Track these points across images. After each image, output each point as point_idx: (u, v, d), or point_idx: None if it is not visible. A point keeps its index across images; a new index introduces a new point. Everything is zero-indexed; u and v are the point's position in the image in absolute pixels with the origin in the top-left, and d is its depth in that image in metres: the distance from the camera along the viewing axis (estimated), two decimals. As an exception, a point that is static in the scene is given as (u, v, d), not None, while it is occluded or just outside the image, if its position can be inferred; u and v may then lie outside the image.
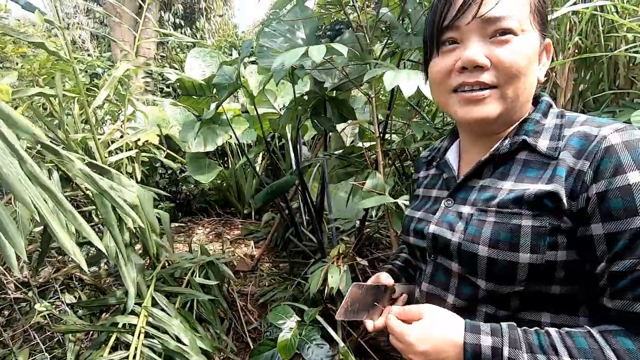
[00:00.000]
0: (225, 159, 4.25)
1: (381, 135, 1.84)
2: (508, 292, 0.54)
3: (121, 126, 1.86)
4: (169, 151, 3.77)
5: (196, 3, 5.95)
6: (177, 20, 6.29)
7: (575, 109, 1.34)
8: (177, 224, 4.08)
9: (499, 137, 0.61)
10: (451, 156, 0.70)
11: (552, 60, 1.33)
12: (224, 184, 4.12)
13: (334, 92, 1.89)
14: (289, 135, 2.57)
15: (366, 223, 2.19)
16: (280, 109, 3.04)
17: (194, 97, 2.46)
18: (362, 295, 0.68)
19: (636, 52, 0.96)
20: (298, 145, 2.75)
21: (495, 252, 0.53)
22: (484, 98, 0.55)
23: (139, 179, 1.85)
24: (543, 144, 0.55)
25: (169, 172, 4.05)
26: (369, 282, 0.75)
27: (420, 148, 1.71)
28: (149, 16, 2.01)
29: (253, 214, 4.23)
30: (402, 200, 1.23)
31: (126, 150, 2.06)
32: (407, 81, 0.99)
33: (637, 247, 0.46)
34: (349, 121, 2.05)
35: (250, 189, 4.14)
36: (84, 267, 1.03)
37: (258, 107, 3.02)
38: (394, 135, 2.04)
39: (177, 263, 1.71)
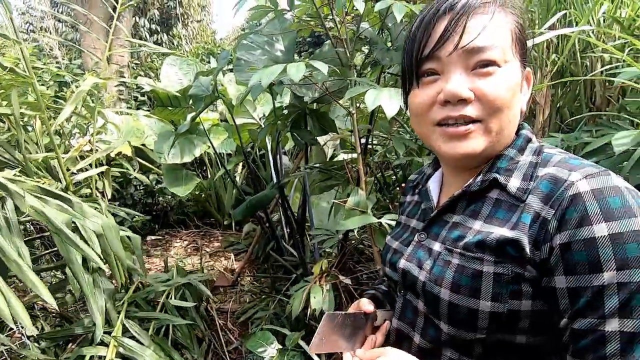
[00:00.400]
0: (204, 168, 4.14)
1: (363, 149, 1.82)
2: (470, 339, 0.52)
3: (90, 140, 1.76)
4: (144, 162, 3.64)
5: (173, 9, 5.82)
6: (153, 26, 6.13)
7: (553, 125, 1.35)
8: (154, 237, 3.93)
9: (475, 170, 0.59)
10: (433, 185, 0.67)
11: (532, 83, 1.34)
12: (203, 195, 4.00)
13: (315, 104, 1.86)
14: (269, 146, 2.51)
15: (349, 234, 2.16)
16: (260, 119, 2.98)
17: (169, 108, 2.37)
18: (339, 325, 0.65)
19: (612, 74, 0.97)
20: (278, 157, 2.70)
21: (457, 297, 0.51)
22: (469, 133, 0.53)
23: (109, 197, 1.75)
24: (514, 183, 0.53)
25: (145, 183, 3.90)
26: (351, 309, 0.72)
27: (406, 160, 1.70)
28: (120, 25, 1.92)
29: (233, 224, 4.12)
30: (386, 220, 1.20)
31: (97, 165, 1.95)
32: (389, 101, 0.96)
33: (599, 305, 0.43)
34: (330, 134, 2.02)
35: (230, 199, 4.04)
36: (49, 300, 0.94)
37: (237, 117, 2.95)
38: (376, 146, 2.02)
39: (151, 287, 1.62)
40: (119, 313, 1.50)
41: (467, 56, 0.51)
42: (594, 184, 0.46)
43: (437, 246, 0.57)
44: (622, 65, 1.02)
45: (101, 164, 2.20)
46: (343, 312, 0.66)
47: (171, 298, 1.78)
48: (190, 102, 2.36)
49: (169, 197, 4.06)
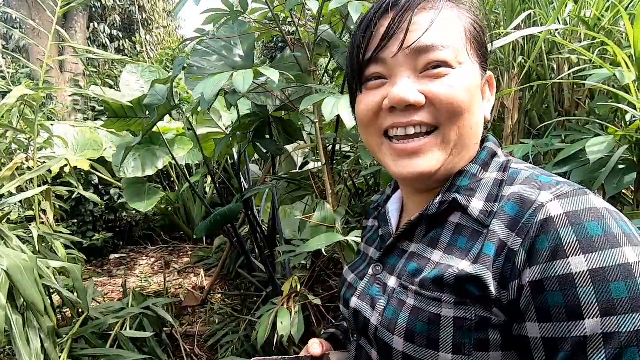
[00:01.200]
0: (171, 180, 3.94)
1: (330, 158, 1.73)
2: None
3: (27, 157, 1.57)
4: (104, 176, 3.41)
5: (135, 14, 5.56)
6: (115, 32, 5.84)
7: (523, 130, 1.31)
8: (117, 256, 3.69)
9: (435, 189, 0.51)
10: (392, 207, 0.59)
11: (499, 86, 1.30)
12: (170, 208, 3.80)
13: (281, 111, 1.75)
14: (236, 157, 2.39)
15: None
16: (227, 128, 2.84)
17: (124, 119, 2.20)
18: None
19: (580, 76, 0.92)
20: (246, 167, 2.57)
21: (412, 348, 0.43)
22: (422, 148, 0.45)
23: (51, 219, 1.57)
24: (476, 205, 0.45)
25: (106, 198, 3.66)
26: (303, 352, 0.64)
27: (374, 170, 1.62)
28: (62, 31, 1.75)
29: (204, 238, 3.94)
30: (353, 238, 1.11)
31: (40, 184, 1.76)
32: (349, 110, 0.86)
33: None
34: (298, 144, 1.92)
35: (200, 211, 3.86)
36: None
37: (201, 127, 2.81)
38: (347, 149, 1.93)
39: (99, 320, 1.45)
40: (62, 351, 1.34)
41: (415, 57, 0.45)
42: (568, 205, 0.38)
43: (392, 281, 0.49)
44: (589, 67, 0.98)
45: (45, 182, 2.00)
46: (281, 357, 0.59)
47: (127, 328, 1.62)
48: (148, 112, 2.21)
49: (134, 212, 3.83)
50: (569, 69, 1.03)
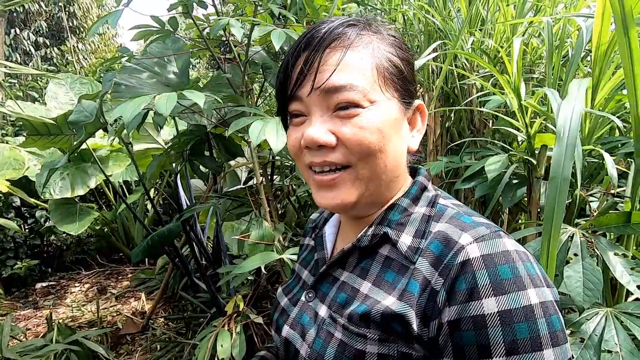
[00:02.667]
0: (108, 198, 3.68)
1: (270, 175, 1.74)
2: None
3: None
4: (27, 198, 3.10)
5: (64, 20, 5.16)
6: (41, 39, 5.37)
7: (445, 144, 1.43)
8: (44, 284, 3.34)
9: (369, 218, 0.53)
10: (329, 230, 0.60)
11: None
12: (106, 229, 3.54)
13: (222, 127, 1.73)
14: (174, 175, 2.30)
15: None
16: (167, 143, 2.74)
17: (48, 137, 2.03)
18: None
19: (484, 100, 1.03)
20: (187, 184, 2.49)
21: None
22: (336, 182, 0.47)
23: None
24: (405, 240, 0.47)
25: (31, 221, 3.32)
26: None
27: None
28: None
29: (146, 259, 3.72)
30: (288, 255, 1.13)
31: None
32: (276, 135, 0.89)
33: None
34: (238, 160, 1.91)
35: (141, 230, 3.63)
36: None
37: (138, 142, 2.67)
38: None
39: (19, 356, 1.31)
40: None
41: (326, 96, 0.46)
42: (484, 248, 0.42)
43: (323, 311, 0.51)
44: (492, 92, 1.11)
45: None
46: None
47: (50, 367, 1.48)
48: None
49: (64, 234, 3.51)
50: (476, 93, 1.15)
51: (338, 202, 0.48)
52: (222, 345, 1.30)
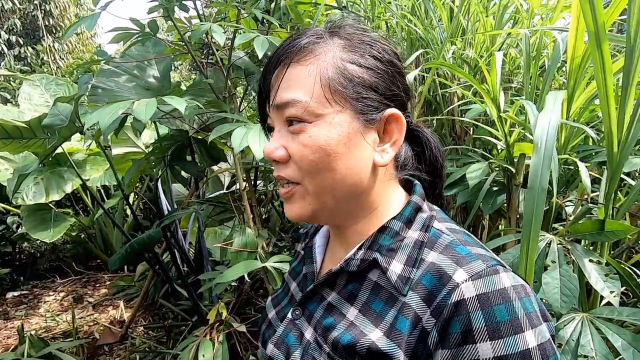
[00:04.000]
0: (83, 205, 3.56)
1: (253, 180, 1.72)
2: None
3: None
4: (-2, 203, 2.96)
5: (39, 19, 4.98)
6: (14, 38, 5.16)
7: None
8: (16, 294, 3.20)
9: (357, 234, 0.51)
10: (319, 242, 0.59)
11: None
12: (83, 235, 3.42)
13: (205, 132, 1.70)
14: (154, 181, 2.25)
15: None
16: (147, 147, 2.68)
17: (20, 140, 1.95)
18: None
19: (465, 109, 1.05)
20: (169, 189, 2.44)
21: None
22: (290, 195, 0.48)
23: None
24: (395, 269, 0.45)
25: (1, 228, 3.18)
26: None
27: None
28: None
29: (126, 266, 3.61)
30: (272, 264, 1.11)
31: None
32: (259, 141, 0.88)
33: None
34: (220, 165, 1.88)
35: (120, 236, 3.53)
36: None
37: (117, 146, 2.60)
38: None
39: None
40: None
41: (280, 112, 0.47)
42: (480, 287, 0.40)
43: (309, 333, 0.49)
44: (472, 101, 1.13)
45: None
46: None
47: (21, 382, 1.41)
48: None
49: (38, 241, 3.38)
50: (458, 101, 1.17)
51: (295, 214, 0.48)
52: (203, 356, 1.27)
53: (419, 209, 0.49)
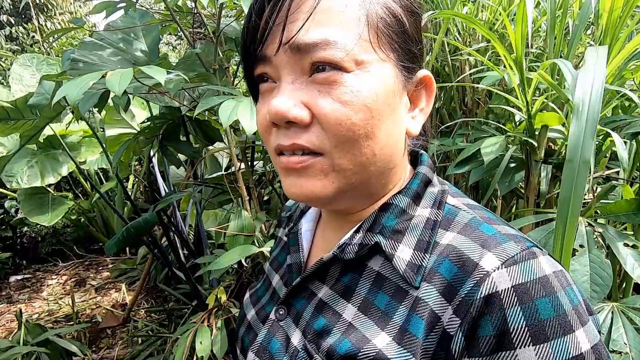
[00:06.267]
0: (82, 188, 3.51)
1: (250, 161, 1.64)
2: None
3: None
4: (-6, 187, 2.92)
5: (30, -3, 4.80)
6: (5, 18, 4.99)
7: (435, 127, 1.35)
8: (19, 277, 3.20)
9: (357, 215, 0.42)
10: (305, 227, 0.49)
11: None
12: (83, 219, 3.39)
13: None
14: (148, 161, 2.17)
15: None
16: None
17: (7, 121, 1.87)
18: None
19: (478, 77, 0.95)
20: (165, 171, 2.37)
21: None
22: (306, 167, 0.36)
23: None
24: (404, 255, 0.36)
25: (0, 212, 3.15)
26: None
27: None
28: None
29: (127, 248, 3.59)
30: (268, 249, 1.05)
31: None
32: (250, 115, 0.79)
33: None
34: (216, 144, 1.79)
35: (121, 219, 3.50)
36: None
37: (111, 127, 2.52)
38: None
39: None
40: None
41: (298, 56, 0.34)
42: (516, 276, 0.31)
43: (296, 337, 0.40)
44: (485, 68, 1.02)
45: None
46: None
47: (18, 368, 1.38)
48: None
49: (38, 225, 3.35)
50: (469, 70, 1.06)
51: (307, 193, 0.36)
52: (201, 342, 1.22)
53: (428, 182, 0.41)
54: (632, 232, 0.78)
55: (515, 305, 0.30)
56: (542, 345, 0.29)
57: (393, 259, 0.36)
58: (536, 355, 0.29)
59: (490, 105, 0.94)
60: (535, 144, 0.76)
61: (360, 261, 0.39)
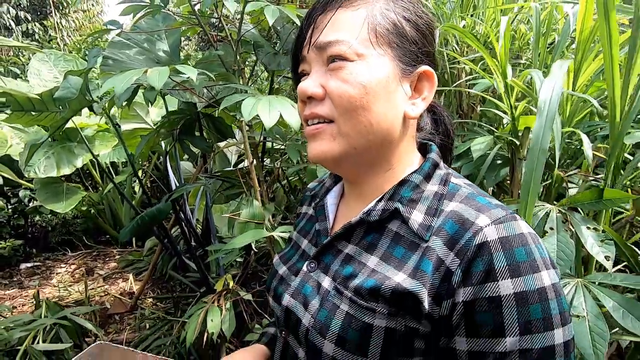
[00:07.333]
0: (94, 180, 3.63)
1: (260, 157, 1.75)
2: None
3: None
4: (10, 176, 3.03)
5: (46, -5, 4.95)
6: (22, 14, 5.15)
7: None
8: (29, 265, 3.31)
9: (373, 188, 0.52)
10: (330, 200, 0.60)
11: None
12: (93, 210, 3.50)
13: (213, 108, 1.72)
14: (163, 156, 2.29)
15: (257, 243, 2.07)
16: (155, 124, 2.70)
17: (32, 113, 1.99)
18: None
19: (472, 84, 1.06)
20: (177, 166, 2.48)
21: (341, 354, 0.45)
22: (319, 133, 0.49)
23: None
24: (417, 218, 0.47)
25: (14, 201, 3.26)
26: None
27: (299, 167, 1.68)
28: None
29: (134, 240, 3.70)
30: (279, 233, 1.15)
31: None
32: (268, 111, 0.90)
33: None
34: (227, 141, 1.91)
35: (128, 211, 3.61)
36: None
37: (126, 122, 2.64)
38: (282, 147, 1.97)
39: (5, 334, 1.32)
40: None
41: (320, 52, 0.48)
42: (502, 231, 0.42)
43: (326, 282, 0.50)
44: (479, 76, 1.13)
45: None
46: None
47: (39, 342, 1.49)
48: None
49: (49, 215, 3.46)
50: (465, 77, 1.18)
51: (319, 152, 0.49)
52: (212, 320, 1.33)
53: (436, 166, 0.52)
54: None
55: (500, 251, 0.41)
56: (517, 278, 0.40)
57: (409, 221, 0.47)
58: (512, 285, 0.40)
59: (482, 109, 1.05)
60: (518, 143, 0.87)
61: (381, 223, 0.50)
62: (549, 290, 0.41)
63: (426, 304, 0.42)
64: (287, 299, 0.53)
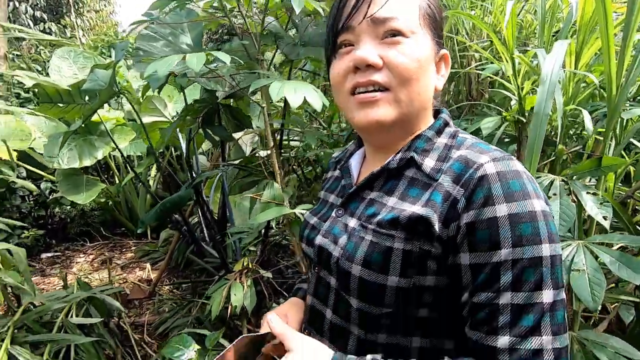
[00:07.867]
0: (110, 173, 3.75)
1: (278, 143, 1.83)
2: (378, 314, 0.54)
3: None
4: (32, 168, 3.16)
5: (63, -5, 5.10)
6: (38, 14, 5.30)
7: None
8: (50, 254, 3.44)
9: (395, 150, 0.60)
10: (354, 162, 0.69)
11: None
12: (110, 202, 3.62)
13: (231, 99, 1.81)
14: (183, 146, 2.39)
15: (271, 231, 2.16)
16: (173, 117, 2.81)
17: (60, 105, 2.10)
18: (249, 348, 0.62)
19: (482, 69, 1.13)
20: (195, 157, 2.58)
21: (367, 273, 0.53)
22: (377, 100, 0.54)
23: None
24: (429, 163, 0.55)
25: (35, 192, 3.39)
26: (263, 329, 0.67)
27: (317, 153, 1.76)
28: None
29: (149, 232, 3.81)
30: (300, 210, 1.24)
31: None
32: (294, 93, 0.99)
33: (495, 280, 0.47)
34: (246, 130, 1.99)
35: (144, 205, 3.73)
36: None
37: (146, 115, 2.74)
38: (295, 142, 2.05)
39: (43, 305, 1.42)
40: (2, 340, 1.30)
41: (376, 26, 0.54)
42: (499, 166, 0.49)
43: (352, 222, 0.59)
44: (488, 62, 1.21)
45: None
46: (253, 335, 0.63)
47: (72, 316, 1.59)
48: (87, 97, 2.13)
49: (68, 207, 3.59)
50: (474, 64, 1.25)
51: (377, 117, 0.54)
52: (235, 295, 1.41)
53: (447, 124, 0.61)
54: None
55: (497, 182, 0.49)
56: (511, 203, 0.48)
57: (422, 166, 0.56)
58: (507, 208, 0.48)
59: (492, 90, 1.12)
60: (525, 121, 0.94)
61: (399, 171, 0.58)
62: (538, 214, 0.48)
63: (437, 227, 0.50)
64: (319, 239, 0.62)
